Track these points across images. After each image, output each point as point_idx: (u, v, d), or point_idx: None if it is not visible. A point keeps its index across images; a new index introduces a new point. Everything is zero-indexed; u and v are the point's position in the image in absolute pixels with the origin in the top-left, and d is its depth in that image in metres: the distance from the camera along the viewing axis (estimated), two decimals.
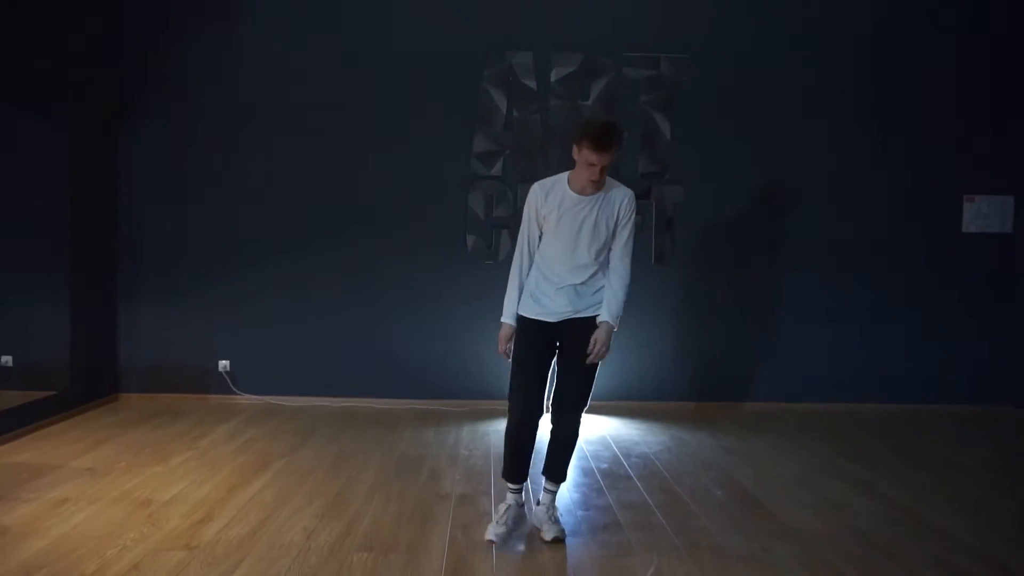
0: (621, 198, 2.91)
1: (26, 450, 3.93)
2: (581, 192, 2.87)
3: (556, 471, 2.99)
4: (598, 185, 2.85)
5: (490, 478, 3.65)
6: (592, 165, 2.75)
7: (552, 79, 5.23)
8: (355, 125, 5.21)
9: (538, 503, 3.04)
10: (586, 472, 3.81)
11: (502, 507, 2.93)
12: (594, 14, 5.23)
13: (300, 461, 3.87)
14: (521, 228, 3.03)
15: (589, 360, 2.87)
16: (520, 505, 2.96)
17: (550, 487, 3.00)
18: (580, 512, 3.21)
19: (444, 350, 5.27)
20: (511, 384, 2.95)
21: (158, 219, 5.20)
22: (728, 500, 3.39)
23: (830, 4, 5.32)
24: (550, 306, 2.90)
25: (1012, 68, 5.36)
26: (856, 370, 5.38)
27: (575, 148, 2.79)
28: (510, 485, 2.96)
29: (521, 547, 2.83)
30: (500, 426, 4.65)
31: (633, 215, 2.95)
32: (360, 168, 5.23)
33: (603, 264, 2.95)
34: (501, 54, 5.21)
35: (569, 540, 2.89)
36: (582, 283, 2.90)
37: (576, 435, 2.99)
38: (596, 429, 4.69)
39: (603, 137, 2.71)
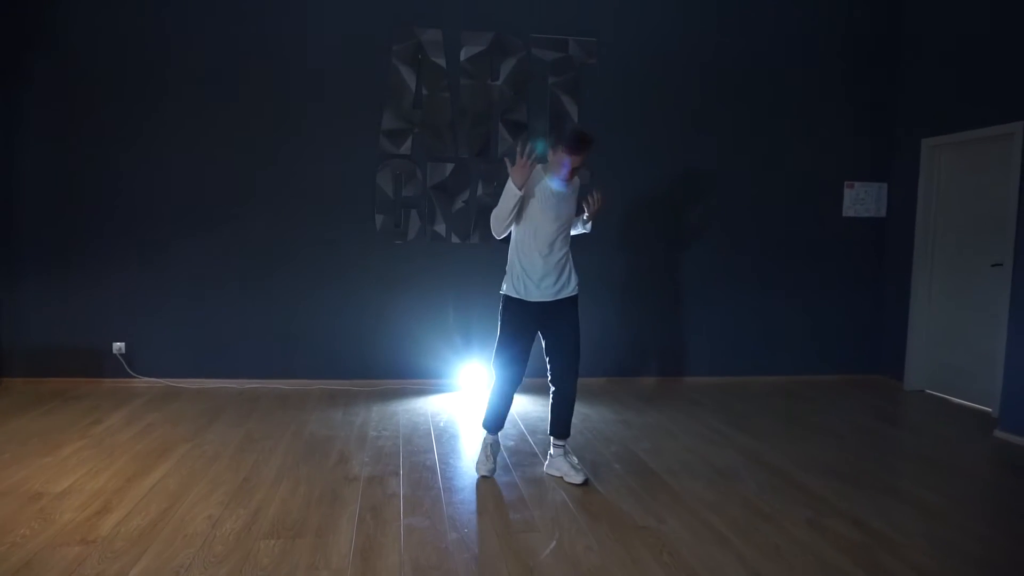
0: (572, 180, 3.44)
1: None
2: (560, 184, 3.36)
3: (565, 429, 3.55)
4: (571, 181, 3.41)
5: (399, 458, 3.71)
6: (565, 164, 3.27)
7: (462, 57, 5.22)
8: (261, 102, 5.05)
9: (551, 456, 3.56)
10: None
11: (488, 447, 3.53)
12: None
13: (204, 446, 3.80)
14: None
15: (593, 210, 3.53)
16: (497, 442, 3.63)
17: (560, 443, 3.55)
18: (485, 489, 3.32)
19: (352, 330, 5.25)
20: (504, 354, 3.44)
21: (40, 190, 4.89)
22: (626, 473, 3.58)
23: None
24: (535, 292, 3.38)
25: (898, 64, 5.77)
26: (745, 344, 5.75)
27: (551, 152, 3.35)
28: (490, 434, 3.57)
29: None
30: (409, 405, 4.74)
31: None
32: (266, 146, 5.08)
33: (569, 246, 3.51)
34: (410, 30, 5.14)
35: (476, 518, 3.00)
36: (557, 264, 3.41)
37: (576, 395, 3.57)
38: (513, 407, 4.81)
39: (573, 144, 3.25)
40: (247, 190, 5.08)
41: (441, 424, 4.39)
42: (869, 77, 5.76)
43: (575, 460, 3.53)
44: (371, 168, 5.19)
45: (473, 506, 3.12)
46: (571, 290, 3.48)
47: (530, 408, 4.79)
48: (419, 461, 3.68)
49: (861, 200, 5.86)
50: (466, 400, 4.99)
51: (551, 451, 3.58)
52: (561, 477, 3.47)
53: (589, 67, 5.37)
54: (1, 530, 2.72)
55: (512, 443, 4.04)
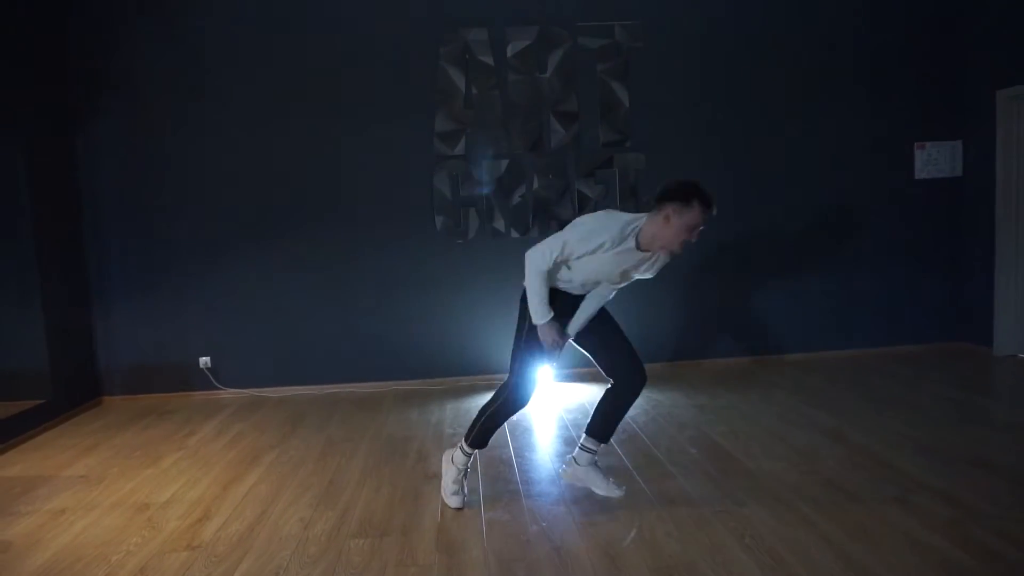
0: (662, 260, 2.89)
1: (16, 463, 3.99)
2: (647, 248, 2.80)
3: (611, 432, 3.10)
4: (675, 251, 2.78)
5: (475, 454, 3.78)
6: (694, 228, 2.68)
7: (508, 54, 5.25)
8: (316, 112, 5.21)
9: (574, 462, 3.08)
10: (567, 441, 3.97)
11: (459, 477, 3.12)
12: None
13: (290, 452, 3.98)
14: (565, 237, 2.81)
15: None
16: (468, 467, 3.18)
17: (596, 446, 3.07)
18: (563, 481, 3.36)
19: (421, 330, 5.37)
20: (528, 373, 3.08)
21: (123, 217, 5.18)
22: (703, 457, 3.57)
23: None
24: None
25: (960, 18, 5.49)
26: (820, 319, 5.60)
27: (672, 207, 2.66)
28: (474, 452, 3.14)
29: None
30: (482, 401, 4.76)
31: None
32: (324, 155, 5.24)
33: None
34: (456, 31, 5.21)
35: (554, 508, 3.05)
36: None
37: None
38: (575, 397, 4.86)
39: (711, 199, 2.68)
40: (312, 201, 5.26)
41: (514, 418, 4.43)
42: (931, 27, 5.50)
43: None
44: (428, 170, 5.28)
45: (551, 498, 3.17)
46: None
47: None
48: (495, 456, 3.76)
49: (934, 160, 5.61)
50: (537, 392, 5.03)
51: (581, 455, 3.08)
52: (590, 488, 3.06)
53: (637, 51, 5.31)
54: (116, 539, 2.93)
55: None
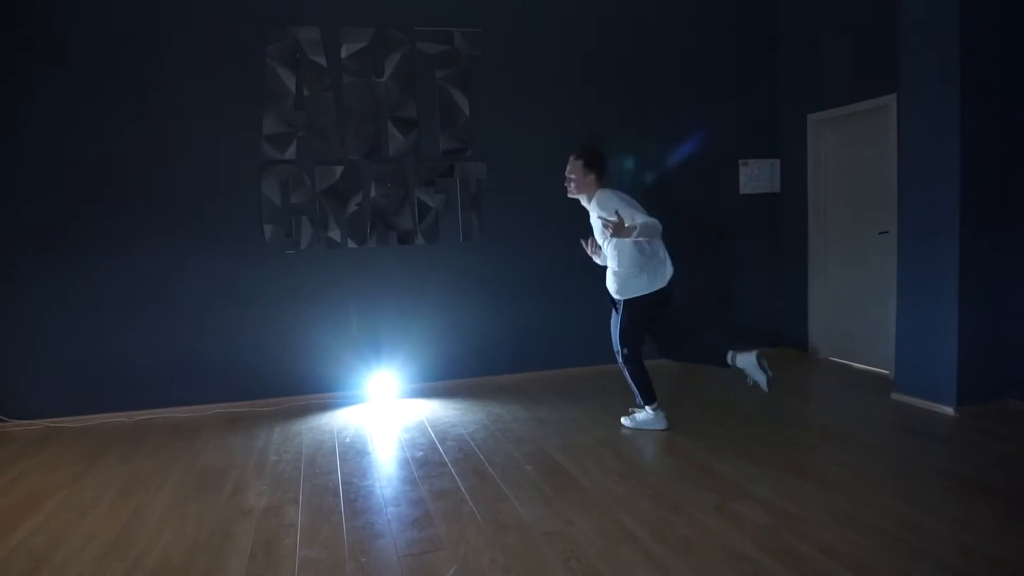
0: (590, 201, 4.01)
1: None
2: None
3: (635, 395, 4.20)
4: (571, 191, 4.06)
5: (299, 483, 3.50)
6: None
7: (343, 55, 4.99)
8: (126, 110, 4.68)
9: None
10: (401, 463, 3.77)
11: (659, 415, 4.10)
12: None
13: (82, 493, 3.49)
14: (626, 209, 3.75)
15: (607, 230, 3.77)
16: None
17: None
18: (391, 509, 3.16)
19: (249, 347, 4.97)
20: (633, 338, 4.03)
21: None
22: (537, 475, 3.49)
23: None
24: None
25: (778, 48, 5.88)
26: None
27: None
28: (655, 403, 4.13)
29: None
30: (314, 423, 4.52)
31: (606, 208, 3.82)
32: (135, 156, 4.72)
33: (615, 251, 3.96)
34: (284, 29, 4.88)
35: (378, 541, 2.84)
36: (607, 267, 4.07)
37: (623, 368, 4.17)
38: (414, 414, 4.67)
39: (578, 152, 4.03)
40: (127, 208, 4.71)
41: (347, 440, 4.19)
42: (754, 56, 5.86)
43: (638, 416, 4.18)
44: (255, 176, 4.90)
45: (375, 529, 2.96)
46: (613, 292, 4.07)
47: (440, 412, 4.65)
48: (321, 484, 3.49)
49: (756, 177, 5.97)
50: (375, 410, 4.80)
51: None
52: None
53: (476, 58, 5.23)
54: None
55: (421, 453, 3.89)
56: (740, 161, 5.90)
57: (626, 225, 3.60)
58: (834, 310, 5.63)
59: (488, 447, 3.94)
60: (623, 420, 4.20)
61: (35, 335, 4.65)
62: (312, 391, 5.08)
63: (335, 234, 5.06)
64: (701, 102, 5.74)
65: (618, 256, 3.93)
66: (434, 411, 4.71)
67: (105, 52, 4.62)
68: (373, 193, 5.10)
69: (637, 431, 4.09)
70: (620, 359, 4.07)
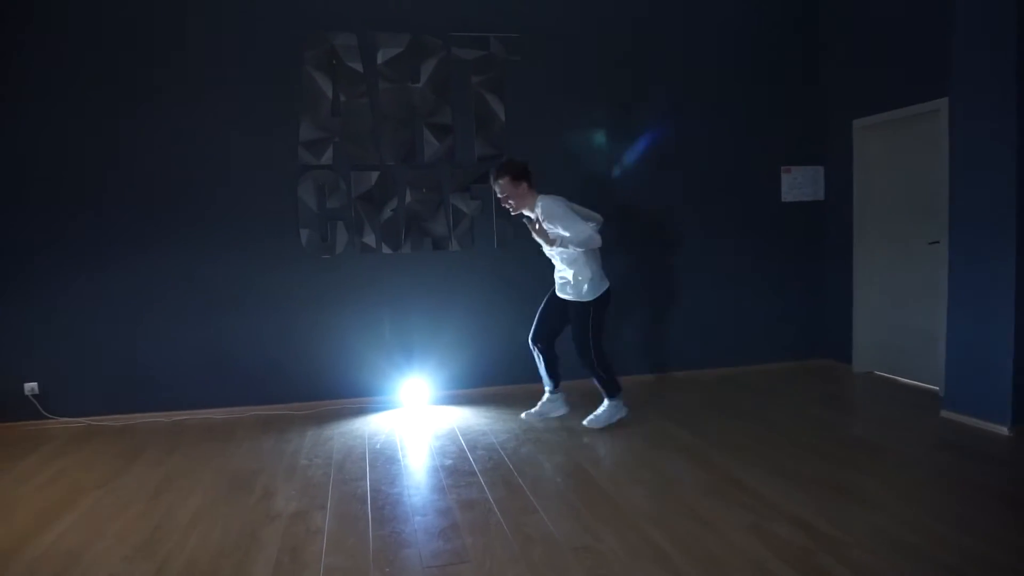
0: (536, 209, 4.10)
1: None
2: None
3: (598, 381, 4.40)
4: (513, 208, 4.19)
5: (328, 489, 3.49)
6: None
7: (379, 61, 5.00)
8: (166, 116, 4.76)
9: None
10: (430, 471, 3.74)
11: (620, 410, 4.35)
12: None
13: (118, 491, 3.54)
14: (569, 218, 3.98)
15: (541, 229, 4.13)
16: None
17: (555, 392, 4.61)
18: (418, 518, 3.13)
19: (286, 351, 5.01)
20: (594, 340, 4.19)
21: None
22: (567, 487, 3.43)
23: None
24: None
25: (822, 51, 5.72)
26: (687, 338, 5.65)
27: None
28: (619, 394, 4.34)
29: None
30: (346, 428, 4.54)
31: (550, 216, 4.00)
32: (176, 162, 4.80)
33: (569, 257, 4.13)
34: (322, 35, 4.91)
35: (403, 551, 2.81)
36: (559, 273, 4.27)
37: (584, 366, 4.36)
38: (445, 421, 4.64)
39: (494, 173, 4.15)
40: (167, 213, 4.80)
41: (377, 447, 4.18)
42: (797, 60, 5.70)
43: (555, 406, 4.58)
44: (292, 181, 4.95)
45: (402, 538, 2.93)
46: (568, 294, 4.23)
47: (472, 421, 4.61)
48: (350, 490, 3.48)
49: (799, 184, 5.80)
50: (407, 416, 4.79)
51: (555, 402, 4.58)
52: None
53: (513, 64, 5.20)
54: None
55: (450, 462, 3.85)
56: (782, 168, 5.74)
57: (551, 240, 4.02)
58: (880, 322, 5.43)
59: (518, 457, 3.88)
60: (585, 423, 4.33)
61: (78, 335, 4.76)
62: (345, 396, 5.09)
63: (370, 239, 5.07)
64: (742, 105, 5.60)
65: (575, 264, 4.11)
66: (465, 419, 4.67)
67: (147, 60, 4.71)
68: (408, 199, 5.10)
69: (603, 430, 4.29)
70: (588, 361, 4.20)
